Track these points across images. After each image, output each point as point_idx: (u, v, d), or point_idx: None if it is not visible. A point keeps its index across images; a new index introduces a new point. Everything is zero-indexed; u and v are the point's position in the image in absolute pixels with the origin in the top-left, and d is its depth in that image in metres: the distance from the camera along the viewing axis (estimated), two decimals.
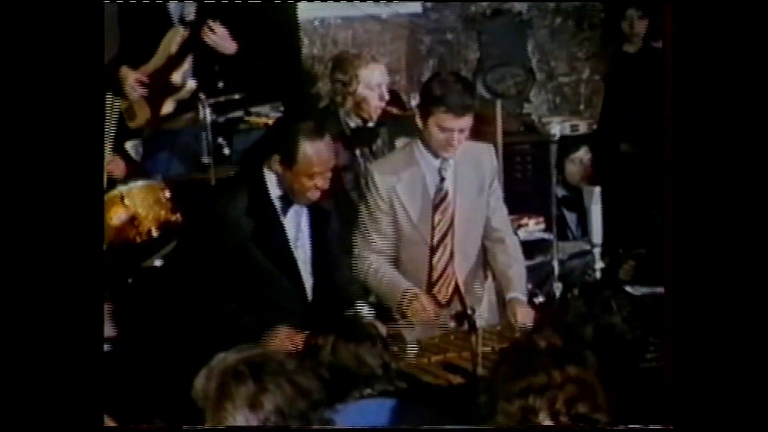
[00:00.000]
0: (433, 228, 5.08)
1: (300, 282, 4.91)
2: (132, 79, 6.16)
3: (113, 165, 5.92)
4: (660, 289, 4.85)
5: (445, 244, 5.10)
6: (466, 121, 4.93)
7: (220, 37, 6.10)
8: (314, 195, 4.78)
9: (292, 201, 4.84)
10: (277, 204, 4.84)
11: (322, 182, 4.75)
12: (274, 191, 4.83)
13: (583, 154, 6.87)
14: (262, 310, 4.77)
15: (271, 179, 4.82)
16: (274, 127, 5.94)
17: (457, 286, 5.15)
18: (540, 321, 4.60)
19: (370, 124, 5.88)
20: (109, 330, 5.30)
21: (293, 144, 4.70)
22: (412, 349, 4.54)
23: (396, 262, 5.12)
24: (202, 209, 5.41)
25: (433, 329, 4.82)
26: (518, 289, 5.13)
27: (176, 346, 5.32)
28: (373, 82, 5.86)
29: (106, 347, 4.98)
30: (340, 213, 5.10)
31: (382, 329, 4.21)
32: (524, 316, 4.95)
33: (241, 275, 4.81)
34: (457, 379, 4.29)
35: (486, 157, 5.20)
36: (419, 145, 5.05)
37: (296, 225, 4.89)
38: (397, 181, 5.04)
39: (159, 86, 6.17)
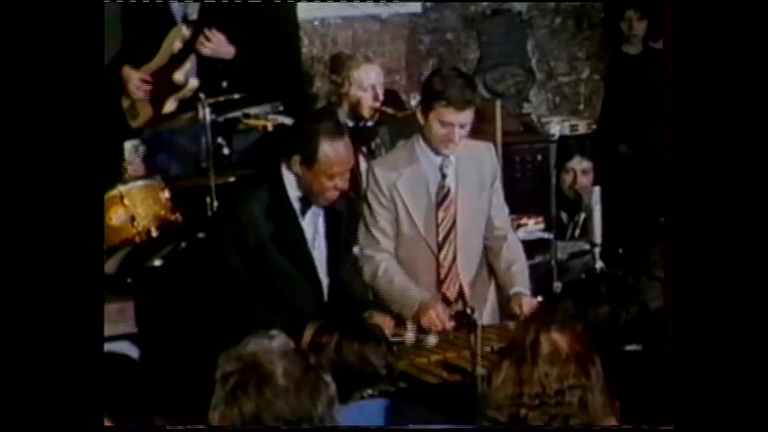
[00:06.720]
0: (437, 226, 5.08)
1: (318, 283, 4.89)
2: (136, 78, 6.17)
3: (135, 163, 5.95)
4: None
5: (450, 242, 5.11)
6: (467, 116, 4.93)
7: (216, 44, 6.10)
8: (333, 195, 4.75)
9: (310, 202, 4.81)
10: (296, 206, 4.81)
11: (342, 183, 4.73)
12: (294, 193, 4.79)
13: (575, 164, 6.85)
14: (283, 310, 4.71)
15: (290, 180, 4.78)
16: (293, 128, 5.89)
17: (461, 285, 5.16)
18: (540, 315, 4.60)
19: (370, 124, 5.87)
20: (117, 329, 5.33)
21: (314, 144, 4.67)
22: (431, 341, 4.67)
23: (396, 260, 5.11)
24: (222, 209, 5.40)
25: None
26: (522, 284, 5.14)
27: (178, 345, 5.33)
28: (365, 83, 5.82)
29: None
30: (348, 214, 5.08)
31: (387, 329, 4.21)
32: (530, 309, 4.96)
33: (261, 276, 4.77)
34: (456, 379, 4.30)
35: (486, 156, 5.20)
36: (420, 142, 5.05)
37: (314, 226, 4.87)
38: (398, 177, 5.04)
39: (161, 85, 6.17)
